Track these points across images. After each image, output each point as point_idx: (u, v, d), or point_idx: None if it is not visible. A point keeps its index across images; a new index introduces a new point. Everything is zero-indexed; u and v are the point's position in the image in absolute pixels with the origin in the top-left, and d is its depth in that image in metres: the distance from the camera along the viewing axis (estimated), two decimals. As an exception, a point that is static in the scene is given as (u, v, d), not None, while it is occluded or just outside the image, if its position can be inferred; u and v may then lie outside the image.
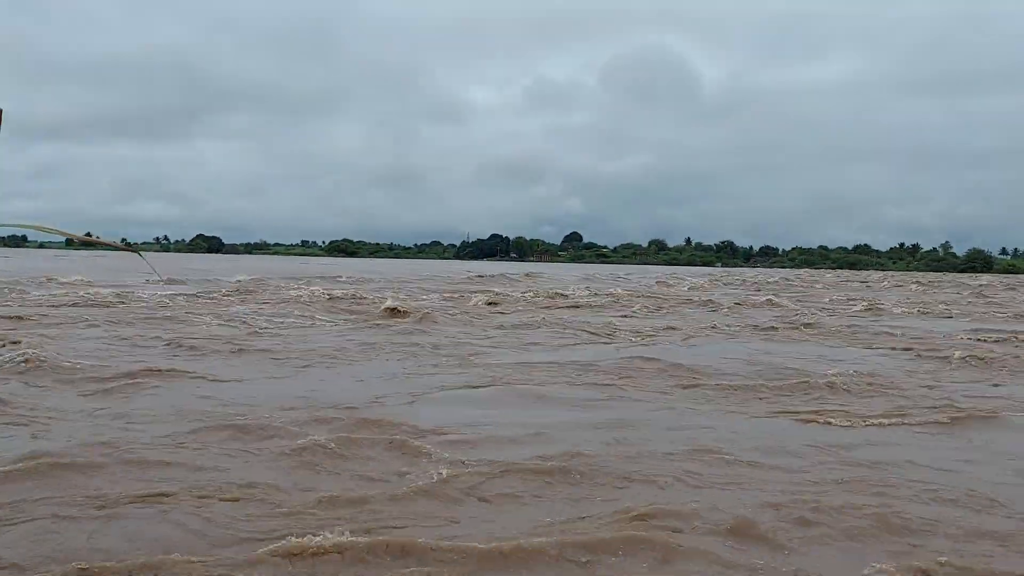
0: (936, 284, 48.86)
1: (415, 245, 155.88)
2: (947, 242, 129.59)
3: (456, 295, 22.93)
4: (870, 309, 21.20)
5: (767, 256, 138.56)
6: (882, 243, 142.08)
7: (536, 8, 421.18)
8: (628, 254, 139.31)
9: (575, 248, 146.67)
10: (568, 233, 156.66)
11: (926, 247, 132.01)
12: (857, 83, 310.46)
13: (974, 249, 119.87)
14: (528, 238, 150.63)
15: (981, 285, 46.72)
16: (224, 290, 22.23)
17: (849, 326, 15.85)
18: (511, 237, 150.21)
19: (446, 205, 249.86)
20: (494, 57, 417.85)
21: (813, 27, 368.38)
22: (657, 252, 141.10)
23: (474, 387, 7.71)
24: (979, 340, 13.27)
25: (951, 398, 7.63)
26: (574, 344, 11.80)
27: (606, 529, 3.73)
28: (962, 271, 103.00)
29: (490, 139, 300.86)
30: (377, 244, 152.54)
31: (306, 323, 13.92)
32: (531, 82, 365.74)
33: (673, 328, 14.56)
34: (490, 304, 19.75)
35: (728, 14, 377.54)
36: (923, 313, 21.02)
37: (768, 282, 45.75)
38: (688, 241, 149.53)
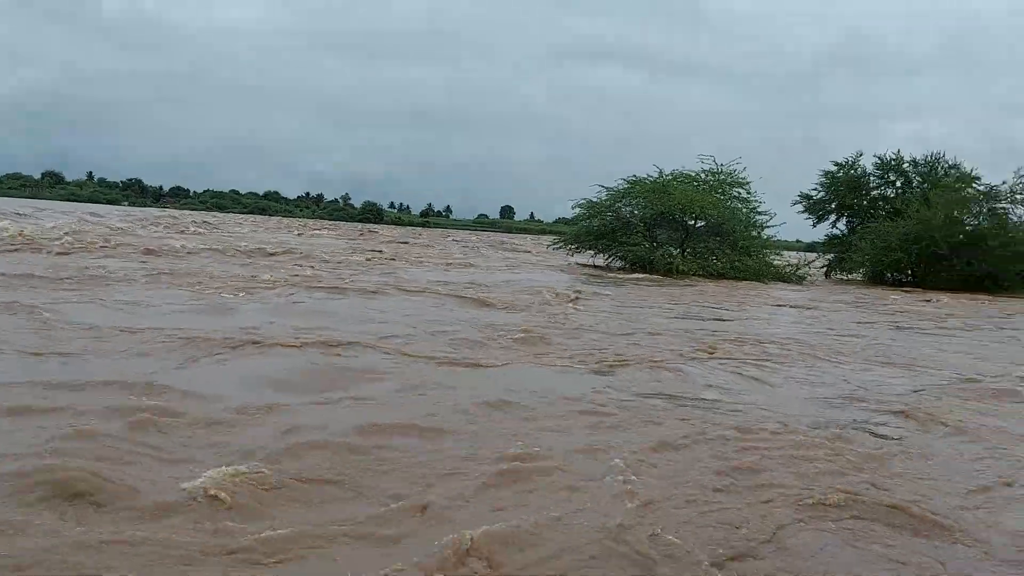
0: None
1: None
2: (347, 194, 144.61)
3: None
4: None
5: (178, 197, 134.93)
6: (291, 191, 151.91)
7: None
8: (16, 186, 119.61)
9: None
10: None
11: (329, 197, 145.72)
12: (270, 30, 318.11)
13: (368, 202, 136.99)
14: None
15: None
16: None
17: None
18: None
19: None
20: None
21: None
22: (53, 186, 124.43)
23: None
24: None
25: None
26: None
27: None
28: (359, 221, 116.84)
29: None
30: None
31: None
32: None
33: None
34: None
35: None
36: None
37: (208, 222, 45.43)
38: (91, 176, 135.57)
